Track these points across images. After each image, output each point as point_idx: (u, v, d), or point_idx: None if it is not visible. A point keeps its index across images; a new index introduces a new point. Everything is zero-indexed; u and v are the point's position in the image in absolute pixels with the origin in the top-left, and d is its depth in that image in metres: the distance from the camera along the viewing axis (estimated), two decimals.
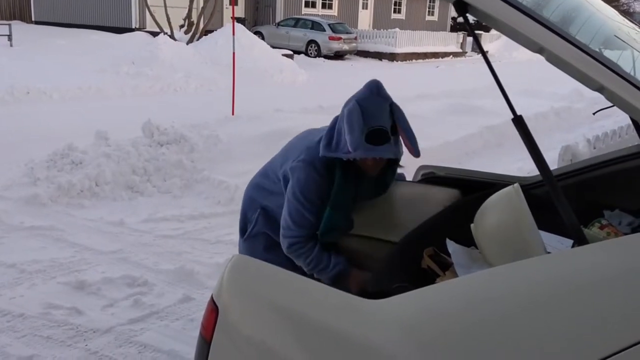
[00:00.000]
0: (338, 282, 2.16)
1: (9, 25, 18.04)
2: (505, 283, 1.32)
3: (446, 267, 1.80)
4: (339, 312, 1.36)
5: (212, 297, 1.53)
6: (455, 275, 1.69)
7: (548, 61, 1.36)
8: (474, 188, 2.33)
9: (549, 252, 1.65)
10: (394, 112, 2.12)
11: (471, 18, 1.51)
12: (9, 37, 17.39)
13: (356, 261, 2.16)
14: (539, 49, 1.32)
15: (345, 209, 2.20)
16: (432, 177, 2.41)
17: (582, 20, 1.50)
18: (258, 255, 2.38)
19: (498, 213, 1.63)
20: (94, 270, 3.99)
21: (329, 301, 1.40)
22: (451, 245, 1.79)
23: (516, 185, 1.64)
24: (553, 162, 7.10)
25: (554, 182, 1.39)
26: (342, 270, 2.19)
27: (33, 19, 26.43)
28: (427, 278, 1.79)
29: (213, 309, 1.50)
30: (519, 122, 1.41)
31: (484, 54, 1.43)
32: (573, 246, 1.84)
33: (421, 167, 2.50)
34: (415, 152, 2.11)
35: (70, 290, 3.71)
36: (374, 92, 2.13)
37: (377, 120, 2.06)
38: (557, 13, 1.42)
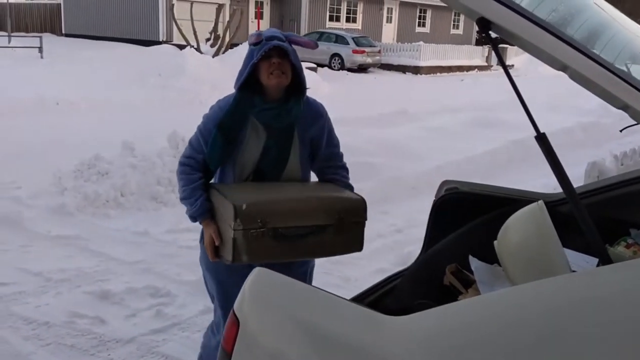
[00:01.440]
0: (195, 220, 2.35)
1: (40, 37, 18.48)
2: (528, 302, 1.31)
3: (469, 284, 1.78)
4: (360, 326, 1.36)
5: (233, 310, 1.54)
6: (477, 292, 1.67)
7: (571, 79, 1.35)
8: (498, 204, 2.31)
9: (573, 271, 1.63)
10: (285, 34, 2.32)
11: (493, 34, 1.52)
12: (40, 49, 17.80)
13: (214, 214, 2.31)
14: (562, 67, 1.31)
15: (230, 132, 2.30)
16: (455, 192, 2.39)
17: (608, 38, 1.49)
18: (204, 259, 2.49)
19: (522, 230, 1.61)
20: (118, 280, 4.04)
21: (350, 315, 1.40)
22: (474, 262, 1.78)
23: (540, 202, 1.62)
24: (579, 178, 7.00)
25: (578, 200, 1.38)
26: (201, 213, 2.31)
27: (63, 32, 27.03)
28: (449, 295, 1.78)
29: (234, 322, 1.51)
30: (542, 139, 1.41)
31: (507, 70, 1.43)
32: (598, 265, 1.82)
33: (445, 182, 2.48)
34: (309, 44, 2.36)
35: (95, 299, 3.76)
36: (268, 30, 2.35)
37: (271, 32, 2.29)
38: (582, 30, 1.41)
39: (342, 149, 2.59)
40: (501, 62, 1.42)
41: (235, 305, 1.53)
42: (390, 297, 1.85)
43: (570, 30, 1.35)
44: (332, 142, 2.51)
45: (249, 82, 2.31)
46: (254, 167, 2.36)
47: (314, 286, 1.54)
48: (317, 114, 2.44)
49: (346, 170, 2.59)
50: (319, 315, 1.44)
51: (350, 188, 2.54)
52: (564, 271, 1.56)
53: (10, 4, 22.94)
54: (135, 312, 3.62)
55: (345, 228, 2.27)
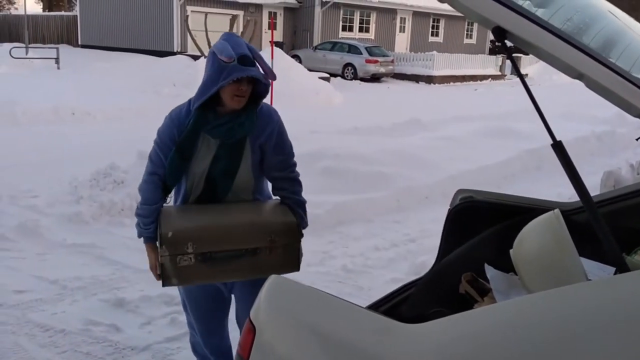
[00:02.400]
0: (140, 237, 2.45)
1: (57, 48, 18.73)
2: (544, 310, 1.30)
3: (484, 292, 1.78)
4: (375, 334, 1.36)
5: (249, 317, 1.55)
6: (493, 301, 1.67)
7: (588, 87, 1.35)
8: (513, 213, 2.30)
9: (590, 280, 1.62)
10: (250, 48, 2.30)
11: (509, 43, 1.52)
12: (56, 59, 18.05)
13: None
14: (578, 75, 1.31)
15: (185, 151, 2.34)
16: (470, 201, 2.39)
17: (624, 46, 1.49)
18: None
19: (538, 239, 1.61)
20: (133, 288, 4.06)
21: (365, 323, 1.40)
22: (490, 271, 1.77)
23: (556, 210, 1.62)
24: (595, 187, 6.95)
25: (595, 208, 1.37)
26: (148, 237, 2.41)
27: (79, 43, 27.36)
28: (464, 303, 1.77)
29: (250, 329, 1.52)
30: (558, 147, 1.40)
31: (523, 79, 1.43)
32: (615, 274, 1.80)
33: (459, 191, 2.48)
34: (272, 75, 2.30)
35: (110, 307, 3.78)
36: (232, 37, 2.30)
37: (242, 48, 2.23)
38: (598, 39, 1.41)
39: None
40: (517, 70, 1.42)
41: (252, 313, 1.54)
42: (405, 305, 1.84)
43: (586, 39, 1.36)
44: (282, 149, 2.46)
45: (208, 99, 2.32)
46: (204, 176, 2.38)
47: (329, 294, 1.54)
48: (268, 119, 2.42)
49: (298, 182, 2.52)
50: (334, 323, 1.44)
51: (301, 205, 2.50)
52: (580, 280, 1.55)
53: (27, 16, 23.27)
54: (150, 319, 3.64)
55: (278, 250, 2.31)
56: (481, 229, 2.32)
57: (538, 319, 1.29)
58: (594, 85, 1.32)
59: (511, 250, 1.69)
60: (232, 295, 2.65)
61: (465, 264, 1.91)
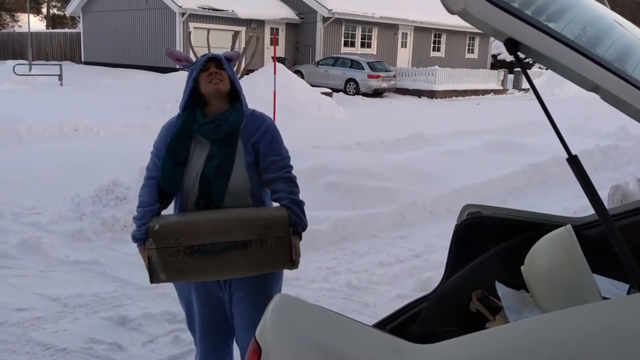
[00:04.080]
0: (136, 242, 2.40)
1: (60, 65, 18.83)
2: (560, 331, 1.26)
3: (496, 310, 1.74)
4: (385, 355, 1.32)
5: (255, 337, 1.51)
6: (505, 319, 1.63)
7: (604, 100, 1.32)
8: (522, 228, 2.27)
9: (604, 297, 1.58)
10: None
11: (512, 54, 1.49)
12: (60, 76, 18.13)
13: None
14: (593, 88, 1.28)
15: (177, 153, 2.40)
16: (478, 216, 2.35)
17: (639, 57, 1.46)
18: None
19: (550, 255, 1.57)
20: (136, 306, 4.01)
21: (375, 343, 1.36)
22: (501, 289, 1.73)
23: (568, 226, 1.58)
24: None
25: (612, 223, 1.34)
26: (140, 238, 2.36)
27: (82, 60, 27.54)
28: (475, 322, 1.73)
29: (256, 349, 1.48)
30: (574, 161, 1.37)
31: (537, 92, 1.40)
32: (629, 291, 1.76)
33: (467, 206, 2.44)
34: (236, 54, 2.56)
35: (112, 325, 3.74)
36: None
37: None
38: (612, 51, 1.38)
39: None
40: (532, 86, 1.39)
41: (257, 332, 1.50)
42: (415, 324, 1.80)
43: (600, 51, 1.33)
44: (277, 150, 2.48)
45: (193, 101, 2.46)
46: (199, 177, 2.39)
47: (336, 312, 1.50)
48: (261, 121, 2.50)
49: (294, 182, 2.49)
50: (342, 343, 1.40)
51: (297, 204, 2.44)
52: (594, 297, 1.51)
53: (31, 34, 23.43)
54: (152, 338, 3.59)
55: (269, 243, 2.28)
56: (489, 244, 2.28)
57: (552, 341, 1.25)
58: (610, 98, 1.29)
59: (522, 267, 1.65)
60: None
61: (475, 281, 1.87)
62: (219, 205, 2.39)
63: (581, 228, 2.16)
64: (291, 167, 2.52)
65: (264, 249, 2.27)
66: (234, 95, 2.48)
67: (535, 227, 2.19)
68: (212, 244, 2.25)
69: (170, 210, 2.56)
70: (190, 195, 2.42)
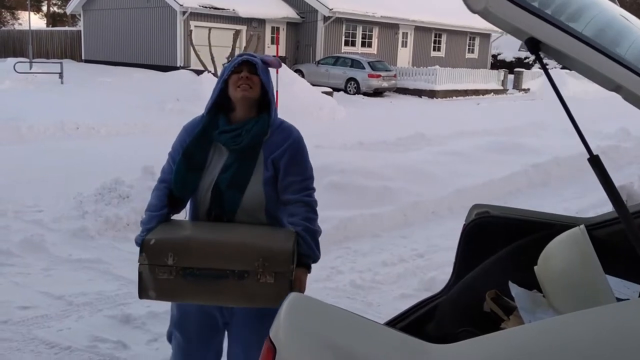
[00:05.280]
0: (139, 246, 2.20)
1: (61, 63, 18.81)
2: (580, 332, 1.26)
3: (509, 310, 1.74)
4: (403, 355, 1.32)
5: (269, 336, 1.51)
6: (519, 319, 1.62)
7: (625, 100, 1.32)
8: (530, 228, 2.27)
9: (617, 298, 1.58)
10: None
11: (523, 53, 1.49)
12: (60, 74, 18.09)
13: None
14: (615, 87, 1.28)
15: (193, 158, 2.28)
16: (486, 216, 2.35)
17: None
18: None
19: (564, 256, 1.57)
20: (140, 304, 4.00)
21: (392, 343, 1.35)
22: (514, 289, 1.73)
23: (582, 226, 1.58)
24: (602, 202, 6.92)
25: (633, 223, 1.33)
26: (141, 241, 2.18)
27: (83, 58, 27.50)
28: (489, 321, 1.73)
29: (270, 348, 1.47)
30: (595, 161, 1.37)
31: (558, 93, 1.39)
32: None
33: (475, 206, 2.44)
34: (277, 62, 2.35)
35: (116, 323, 3.73)
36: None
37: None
38: (632, 50, 1.38)
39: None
40: (553, 86, 1.39)
41: (271, 332, 1.49)
42: (430, 323, 1.80)
43: (620, 50, 1.33)
44: (298, 169, 2.29)
45: (220, 103, 2.31)
46: (212, 187, 2.26)
47: (351, 312, 1.50)
48: (287, 134, 2.32)
49: (312, 209, 2.29)
50: (357, 342, 1.39)
51: (311, 233, 2.24)
52: (608, 298, 1.51)
53: (31, 31, 23.40)
54: (157, 336, 3.58)
55: (267, 277, 2.05)
56: (497, 244, 2.28)
57: (570, 343, 1.24)
58: (632, 98, 1.29)
59: (536, 267, 1.65)
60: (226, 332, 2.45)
61: (487, 281, 1.87)
62: (230, 218, 2.26)
63: (591, 228, 2.16)
64: (313, 189, 2.33)
65: (261, 282, 2.06)
66: (266, 103, 2.32)
67: (545, 227, 2.19)
68: (208, 269, 2.07)
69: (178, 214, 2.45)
70: (202, 206, 2.30)
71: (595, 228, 2.16)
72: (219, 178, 2.25)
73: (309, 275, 2.29)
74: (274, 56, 2.40)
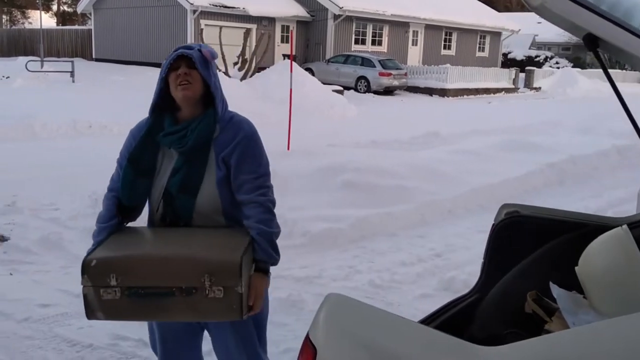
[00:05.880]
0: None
1: (72, 62, 18.88)
2: (629, 337, 1.23)
3: (551, 311, 1.71)
4: (448, 357, 1.29)
5: (307, 336, 1.49)
6: (563, 321, 1.60)
7: None
8: (562, 228, 2.23)
9: None
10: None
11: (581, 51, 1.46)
12: (71, 73, 18.17)
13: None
14: None
15: (141, 164, 2.16)
16: (516, 216, 2.32)
17: None
18: None
19: (607, 256, 1.54)
20: None
21: (436, 345, 1.33)
22: (555, 290, 1.70)
23: (625, 227, 1.55)
24: (621, 201, 6.86)
25: None
26: (92, 250, 2.08)
27: (94, 56, 27.63)
28: (532, 323, 1.70)
29: (309, 348, 1.46)
30: None
31: (615, 87, 1.36)
32: None
33: (504, 206, 2.41)
34: (212, 54, 2.15)
35: (137, 321, 3.72)
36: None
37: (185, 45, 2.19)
38: None
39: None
40: (611, 81, 1.35)
41: (310, 332, 1.47)
42: (473, 324, 1.77)
43: None
44: (249, 167, 2.14)
45: (164, 103, 2.17)
46: (162, 192, 2.15)
47: (390, 312, 1.47)
48: (237, 129, 2.16)
49: (266, 209, 2.14)
50: (400, 343, 1.37)
51: (266, 236, 2.12)
52: None
53: (42, 30, 23.51)
54: None
55: (216, 292, 1.94)
56: (529, 244, 2.25)
57: (622, 347, 1.21)
58: None
59: (577, 268, 1.62)
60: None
61: (526, 282, 1.84)
62: (187, 222, 2.15)
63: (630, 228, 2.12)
64: (267, 187, 2.17)
65: (209, 297, 1.94)
66: (211, 98, 2.16)
67: (578, 227, 2.16)
68: (153, 287, 1.96)
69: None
70: (157, 211, 2.19)
71: (633, 227, 2.13)
72: (169, 183, 2.14)
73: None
74: (211, 49, 2.22)
